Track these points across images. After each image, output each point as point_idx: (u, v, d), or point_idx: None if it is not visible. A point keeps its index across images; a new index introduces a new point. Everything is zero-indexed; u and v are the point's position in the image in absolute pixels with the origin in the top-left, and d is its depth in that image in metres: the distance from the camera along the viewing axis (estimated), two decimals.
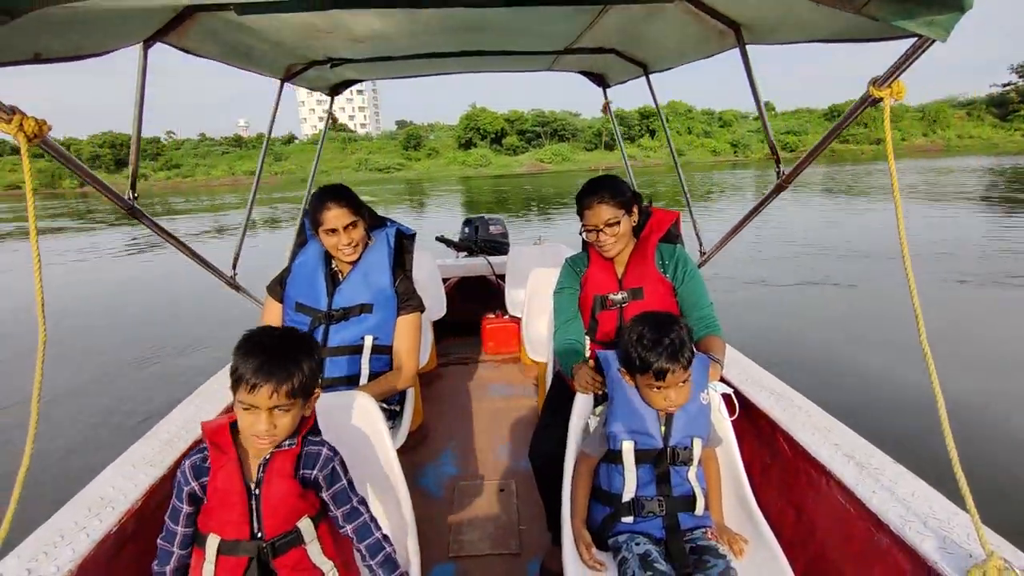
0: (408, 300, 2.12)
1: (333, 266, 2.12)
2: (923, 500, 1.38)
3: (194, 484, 1.23)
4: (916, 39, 1.16)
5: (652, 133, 67.46)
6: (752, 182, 32.82)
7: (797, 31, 1.64)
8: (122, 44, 1.59)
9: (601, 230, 1.89)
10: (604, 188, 1.90)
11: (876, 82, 1.29)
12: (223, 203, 40.52)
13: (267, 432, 1.19)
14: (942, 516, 1.32)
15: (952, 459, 1.18)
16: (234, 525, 1.22)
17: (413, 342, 2.12)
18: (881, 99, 1.29)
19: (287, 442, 1.25)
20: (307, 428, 1.30)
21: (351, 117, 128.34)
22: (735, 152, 69.52)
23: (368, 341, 2.04)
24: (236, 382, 1.18)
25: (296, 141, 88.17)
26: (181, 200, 43.66)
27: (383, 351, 2.08)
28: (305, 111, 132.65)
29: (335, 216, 1.96)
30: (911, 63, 1.22)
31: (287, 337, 1.26)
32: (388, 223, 2.23)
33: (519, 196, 28.30)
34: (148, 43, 1.73)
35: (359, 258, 2.08)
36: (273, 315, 2.11)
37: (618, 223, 1.89)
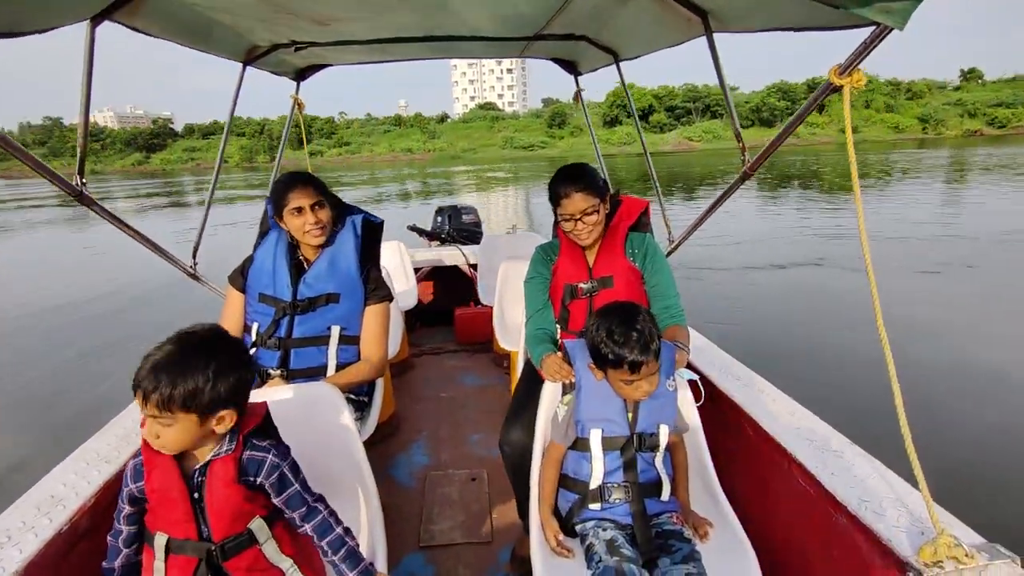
0: (376, 290, 2.09)
1: (299, 256, 2.06)
2: (879, 481, 1.42)
3: (132, 487, 1.19)
4: (875, 27, 1.18)
5: (821, 109, 60.86)
6: (938, 164, 28.86)
7: (763, 19, 1.66)
8: (67, 21, 1.52)
9: (579, 219, 1.87)
10: (581, 177, 1.88)
11: (838, 70, 1.30)
12: (381, 176, 44.39)
13: (151, 440, 1.12)
14: (897, 496, 1.36)
15: (905, 439, 1.21)
16: (179, 525, 1.17)
17: (381, 332, 2.09)
18: (841, 87, 1.30)
19: (225, 448, 1.18)
20: (247, 430, 1.22)
21: (500, 96, 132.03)
22: (924, 128, 60.33)
23: (335, 331, 2.00)
24: (134, 389, 1.10)
25: (448, 120, 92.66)
26: (350, 174, 48.07)
27: (350, 341, 2.04)
28: (458, 91, 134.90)
29: (300, 195, 1.92)
30: (869, 52, 1.24)
31: (197, 341, 1.14)
32: (355, 211, 2.17)
33: (661, 176, 27.98)
34: (96, 20, 1.66)
35: (327, 245, 2.04)
36: (235, 306, 2.05)
37: (596, 212, 1.88)
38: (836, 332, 6.12)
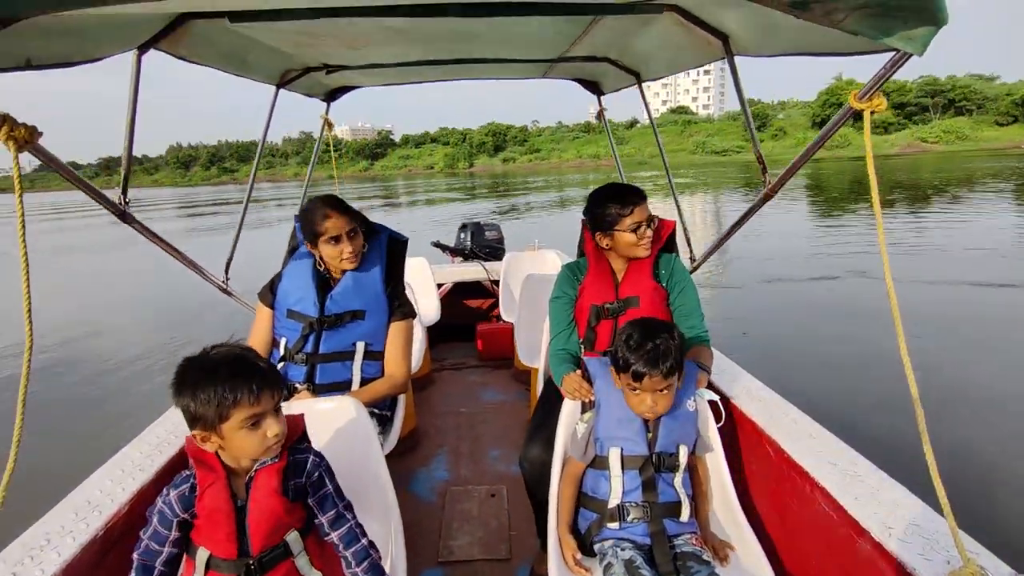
0: (400, 306, 2.12)
1: (323, 271, 2.11)
2: (904, 507, 1.38)
3: (184, 515, 1.21)
4: (894, 53, 1.18)
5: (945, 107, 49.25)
6: None
7: (782, 44, 1.66)
8: (115, 51, 1.61)
9: (649, 225, 1.91)
10: (639, 190, 1.95)
11: (857, 95, 1.30)
12: (568, 181, 45.71)
13: (283, 432, 1.21)
14: (922, 523, 1.33)
15: (930, 465, 1.18)
16: (221, 544, 1.21)
17: (404, 348, 2.12)
18: (862, 112, 1.30)
19: (270, 458, 1.23)
20: (293, 439, 1.30)
21: (694, 99, 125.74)
22: None
23: (360, 347, 2.05)
24: (232, 405, 1.13)
25: (637, 126, 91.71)
26: (538, 179, 50.77)
27: (375, 357, 2.08)
28: (650, 95, 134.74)
29: (336, 224, 1.96)
30: (889, 76, 1.24)
31: (232, 353, 1.20)
32: (380, 229, 2.22)
33: (883, 184, 24.74)
34: (142, 50, 1.74)
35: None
36: (264, 321, 2.10)
37: (657, 221, 1.95)
38: (863, 351, 5.92)
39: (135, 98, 1.84)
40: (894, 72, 1.23)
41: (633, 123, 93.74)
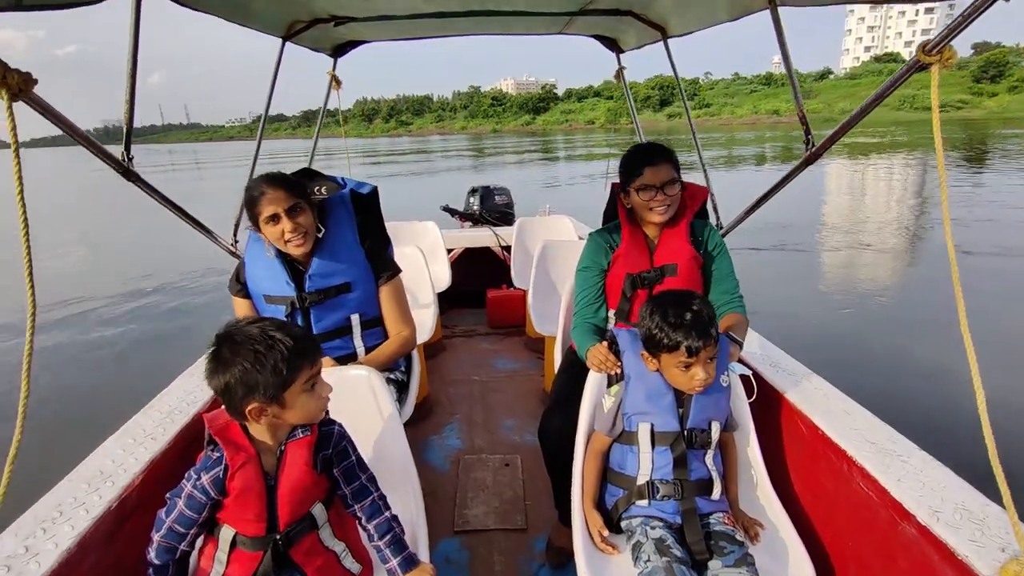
0: (384, 267, 1.99)
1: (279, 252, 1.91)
2: (952, 491, 1.31)
3: (219, 498, 1.18)
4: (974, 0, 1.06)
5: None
6: None
7: None
8: None
9: (661, 188, 1.80)
10: (665, 150, 1.85)
11: (925, 47, 1.16)
12: (738, 139, 42.26)
13: (330, 389, 1.25)
14: (972, 507, 1.26)
15: (989, 449, 1.11)
16: (251, 523, 1.19)
17: (402, 308, 2.02)
18: (930, 65, 1.16)
19: (301, 430, 1.23)
20: None
21: (908, 43, 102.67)
22: None
23: (355, 320, 1.95)
24: (297, 369, 1.15)
25: (831, 76, 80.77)
26: (703, 136, 48.28)
27: (374, 324, 1.99)
28: (850, 41, 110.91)
29: (272, 200, 1.73)
30: (967, 25, 1.11)
31: (275, 323, 1.20)
32: (342, 185, 2.02)
33: None
34: None
35: (321, 235, 1.89)
36: (245, 312, 1.97)
37: (676, 184, 1.82)
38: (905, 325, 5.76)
39: (135, 45, 1.70)
40: (972, 21, 1.10)
41: (825, 74, 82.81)
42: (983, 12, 1.08)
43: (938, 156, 1.17)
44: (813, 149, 1.80)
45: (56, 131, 1.47)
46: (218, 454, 1.18)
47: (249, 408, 1.14)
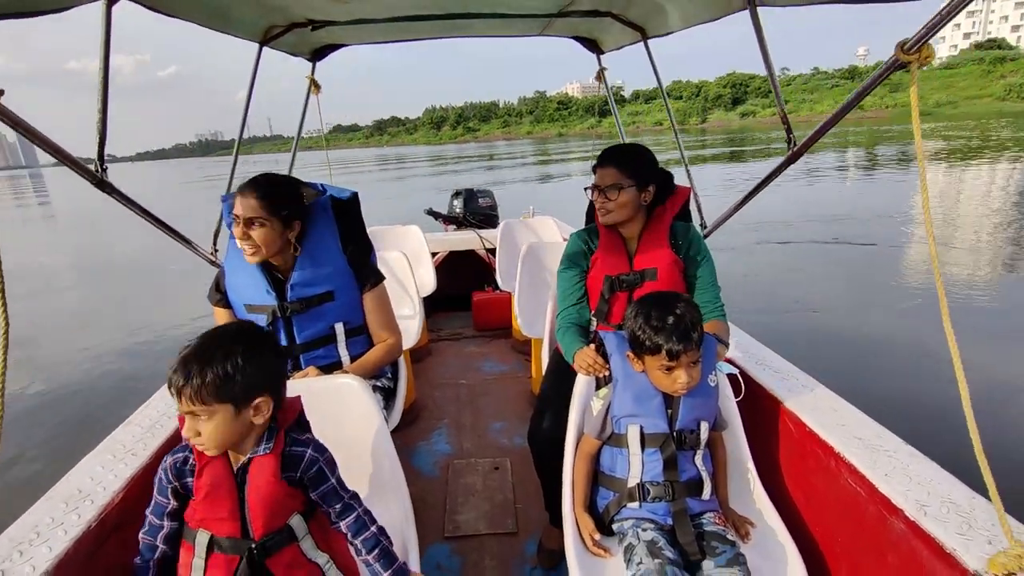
0: (368, 275, 1.97)
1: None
2: (939, 485, 1.33)
3: (176, 483, 1.17)
4: None
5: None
6: None
7: None
8: (81, 0, 1.47)
9: (602, 190, 1.83)
10: (621, 155, 1.85)
11: (904, 46, 1.18)
12: (821, 142, 40.02)
13: (192, 438, 1.11)
14: (959, 501, 1.27)
15: (974, 443, 1.13)
16: (224, 523, 1.16)
17: (387, 315, 2.00)
18: (908, 64, 1.18)
19: (264, 446, 1.18)
20: (286, 425, 1.23)
21: (1015, 28, 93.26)
22: None
23: (339, 329, 1.92)
24: (173, 393, 1.10)
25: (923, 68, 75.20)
26: (781, 134, 46.23)
27: (358, 332, 1.97)
28: (947, 29, 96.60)
29: (241, 204, 1.73)
30: (944, 24, 1.11)
31: (222, 332, 1.15)
32: (321, 190, 1.99)
33: None
34: (112, 0, 1.61)
35: (303, 241, 1.87)
36: (225, 321, 1.92)
37: (619, 190, 1.81)
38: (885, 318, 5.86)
39: (107, 54, 1.67)
40: (951, 19, 1.11)
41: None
42: (960, 11, 1.08)
43: (918, 152, 1.17)
44: (795, 148, 1.82)
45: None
46: (187, 453, 1.18)
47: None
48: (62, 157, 1.59)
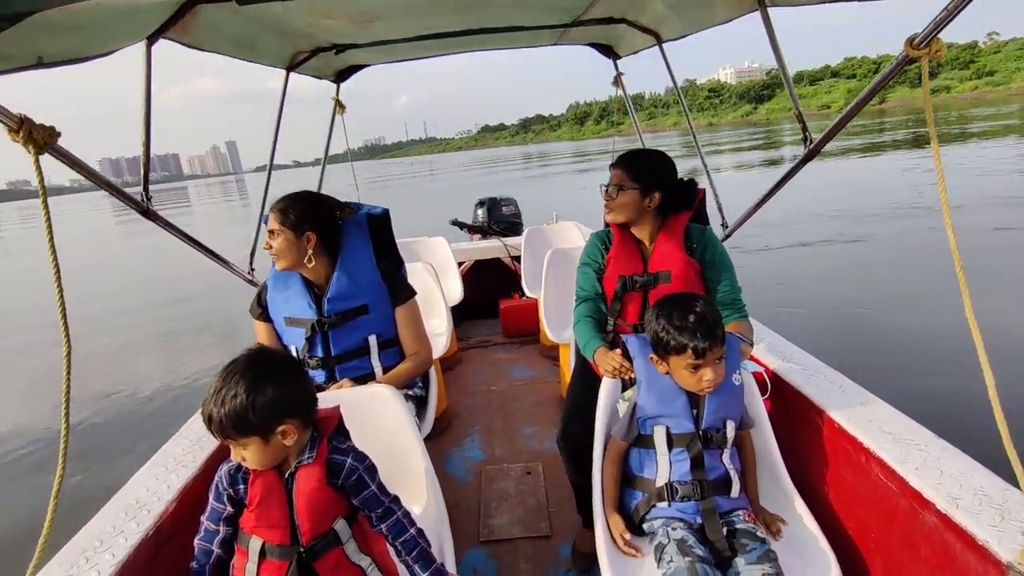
0: (401, 291, 2.04)
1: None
2: (970, 477, 1.32)
3: (230, 490, 1.24)
4: None
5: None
6: None
7: None
8: (125, 43, 1.58)
9: (607, 189, 1.94)
10: (630, 158, 1.93)
11: (913, 41, 1.19)
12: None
13: (239, 460, 1.21)
14: (992, 493, 1.26)
15: (1002, 433, 1.13)
16: (275, 530, 1.22)
17: (418, 328, 2.07)
18: (918, 59, 1.19)
19: (307, 455, 1.25)
20: (327, 435, 1.29)
21: None
22: None
23: (373, 341, 1.99)
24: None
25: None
26: (983, 111, 37.47)
27: (390, 344, 2.04)
28: None
29: (270, 219, 1.90)
30: (953, 17, 1.12)
31: (234, 368, 1.18)
32: (356, 209, 2.09)
33: None
34: (151, 40, 1.71)
35: (338, 255, 1.98)
36: (264, 336, 2.02)
37: (620, 190, 1.89)
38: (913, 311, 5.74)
39: (148, 90, 1.80)
40: (958, 13, 1.11)
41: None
42: (968, 4, 1.08)
43: (933, 145, 1.16)
44: (811, 146, 1.81)
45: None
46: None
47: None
48: (111, 189, 1.71)
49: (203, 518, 1.28)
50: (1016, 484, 1.15)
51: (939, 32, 1.15)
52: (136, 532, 1.39)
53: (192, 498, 1.56)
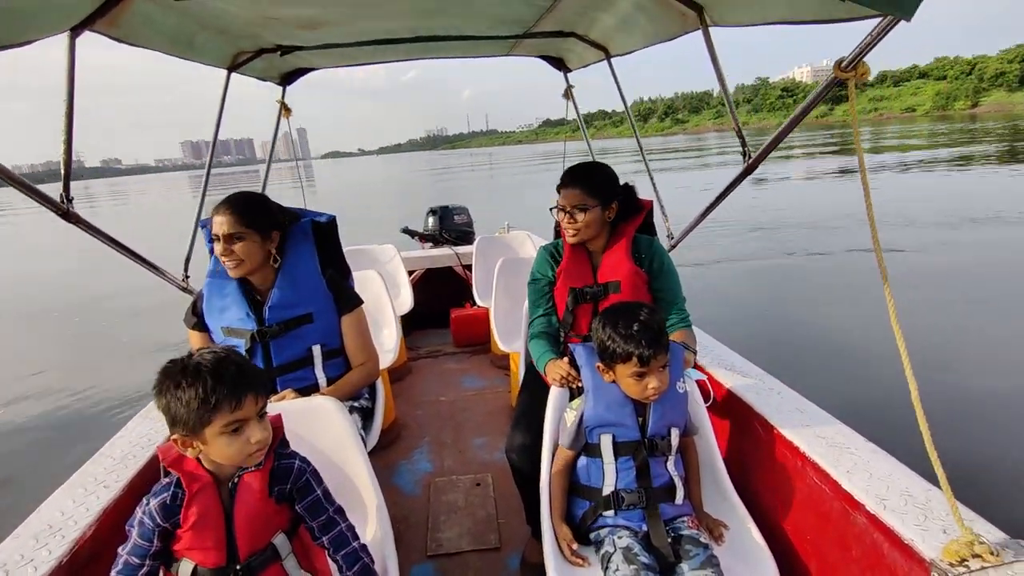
0: (347, 299, 1.99)
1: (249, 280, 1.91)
2: (897, 479, 1.39)
3: (165, 524, 1.15)
4: (881, 19, 1.15)
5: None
6: None
7: (761, 11, 1.60)
8: (45, 33, 1.48)
9: (568, 212, 1.89)
10: (585, 176, 1.90)
11: (841, 64, 1.28)
12: None
13: (266, 438, 1.15)
14: (916, 494, 1.34)
15: (924, 436, 1.20)
16: (210, 552, 1.15)
17: (364, 338, 2.01)
18: (846, 81, 1.27)
19: (255, 464, 1.19)
20: (276, 443, 1.24)
21: None
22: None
23: (317, 351, 1.92)
24: (213, 409, 1.07)
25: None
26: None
27: (335, 355, 1.97)
28: None
29: (218, 223, 1.77)
30: (875, 44, 1.20)
31: (216, 356, 1.14)
32: (300, 215, 2.03)
33: None
34: (75, 32, 1.60)
35: (280, 265, 1.89)
36: (200, 345, 1.92)
37: (584, 211, 1.87)
38: (844, 322, 5.95)
39: (71, 86, 1.68)
40: (881, 39, 1.19)
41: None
42: (891, 30, 1.16)
43: (860, 161, 1.27)
44: (750, 161, 1.89)
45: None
46: (168, 479, 1.16)
47: (174, 439, 1.12)
48: (26, 189, 1.57)
49: (122, 551, 1.16)
50: (937, 484, 1.22)
51: (864, 56, 1.24)
52: (48, 560, 1.28)
53: (113, 521, 1.46)
